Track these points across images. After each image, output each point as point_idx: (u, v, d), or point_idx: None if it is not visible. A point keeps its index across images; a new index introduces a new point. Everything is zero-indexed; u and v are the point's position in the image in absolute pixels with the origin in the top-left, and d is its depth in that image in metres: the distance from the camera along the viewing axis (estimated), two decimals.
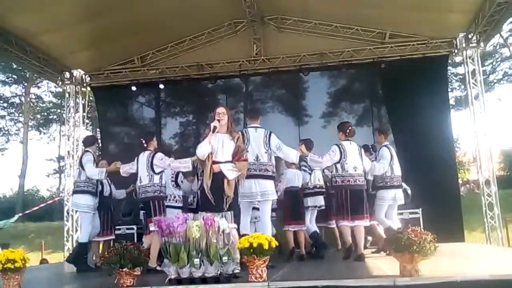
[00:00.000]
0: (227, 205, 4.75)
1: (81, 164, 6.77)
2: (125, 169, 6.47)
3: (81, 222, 6.83)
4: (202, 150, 4.87)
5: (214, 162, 4.85)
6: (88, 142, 7.19)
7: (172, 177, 6.91)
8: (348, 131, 6.40)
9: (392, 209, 6.81)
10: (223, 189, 4.78)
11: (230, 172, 4.83)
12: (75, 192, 6.91)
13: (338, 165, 6.21)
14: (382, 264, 5.18)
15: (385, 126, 9.76)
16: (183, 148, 11.35)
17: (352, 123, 6.85)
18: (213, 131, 4.89)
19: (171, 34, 10.51)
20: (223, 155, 4.89)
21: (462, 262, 5.67)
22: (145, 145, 6.33)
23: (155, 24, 9.78)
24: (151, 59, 11.02)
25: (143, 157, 6.19)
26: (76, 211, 7.46)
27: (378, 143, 7.09)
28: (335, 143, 6.33)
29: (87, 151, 6.92)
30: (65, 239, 10.65)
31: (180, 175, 6.99)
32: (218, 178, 4.82)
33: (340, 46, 10.31)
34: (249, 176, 5.40)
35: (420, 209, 8.46)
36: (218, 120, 4.95)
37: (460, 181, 20.36)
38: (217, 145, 4.91)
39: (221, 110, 5.04)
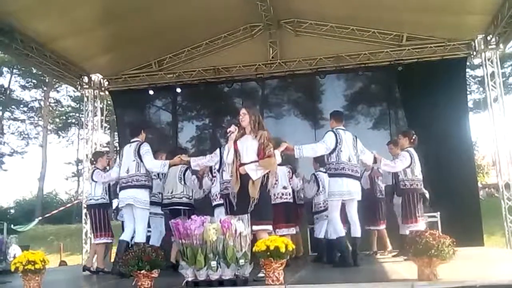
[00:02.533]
0: (252, 206, 4.65)
1: (139, 156, 6.03)
2: (202, 162, 6.14)
3: (137, 221, 5.99)
4: (226, 157, 4.96)
5: (241, 164, 4.83)
6: (135, 132, 6.43)
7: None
8: (412, 139, 6.78)
9: None
10: (247, 191, 4.72)
11: (253, 172, 4.76)
12: (132, 186, 6.01)
13: (408, 170, 6.53)
14: (400, 268, 5.14)
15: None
16: (200, 151, 11.36)
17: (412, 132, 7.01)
18: (228, 136, 4.93)
19: (187, 38, 10.59)
20: (248, 156, 4.84)
21: (481, 266, 5.61)
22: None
23: (172, 29, 9.87)
24: (168, 63, 11.11)
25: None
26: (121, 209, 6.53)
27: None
28: (405, 150, 6.66)
29: (140, 141, 6.21)
30: (83, 241, 10.77)
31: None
32: (245, 180, 4.78)
33: (357, 49, 10.27)
34: (342, 175, 5.82)
35: (439, 212, 8.37)
36: (238, 125, 4.97)
37: (480, 185, 20.16)
38: (241, 148, 4.90)
39: (242, 111, 5.03)
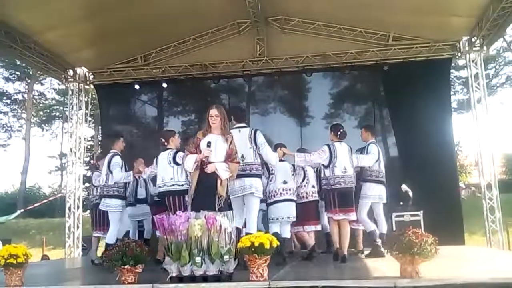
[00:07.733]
0: (220, 205, 4.74)
1: (255, 143, 5.62)
2: (310, 158, 6.37)
3: (253, 211, 5.58)
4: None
5: (209, 162, 4.87)
6: (241, 117, 5.91)
7: None
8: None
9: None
10: (216, 189, 4.79)
11: (224, 172, 4.86)
12: (252, 175, 5.54)
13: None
14: (382, 266, 5.19)
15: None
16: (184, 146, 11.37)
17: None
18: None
19: (174, 33, 10.54)
20: (216, 156, 4.91)
21: (462, 264, 5.70)
22: None
23: (159, 23, 9.79)
24: (155, 58, 11.04)
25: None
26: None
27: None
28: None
29: (254, 129, 5.80)
30: (66, 235, 10.69)
31: None
32: (211, 178, 4.83)
33: (343, 48, 10.30)
34: (378, 181, 6.89)
35: (421, 211, 8.46)
36: (210, 125, 5.06)
37: (462, 184, 20.43)
38: (211, 148, 4.93)
39: (213, 112, 5.05)
